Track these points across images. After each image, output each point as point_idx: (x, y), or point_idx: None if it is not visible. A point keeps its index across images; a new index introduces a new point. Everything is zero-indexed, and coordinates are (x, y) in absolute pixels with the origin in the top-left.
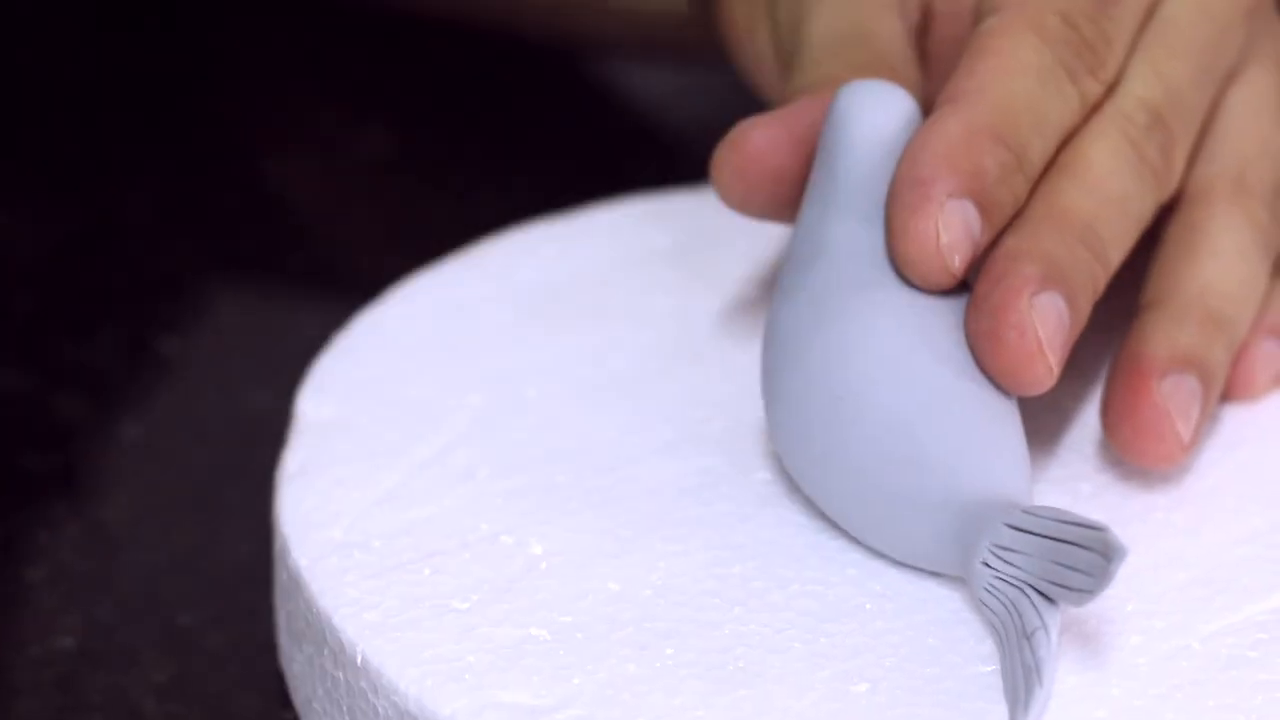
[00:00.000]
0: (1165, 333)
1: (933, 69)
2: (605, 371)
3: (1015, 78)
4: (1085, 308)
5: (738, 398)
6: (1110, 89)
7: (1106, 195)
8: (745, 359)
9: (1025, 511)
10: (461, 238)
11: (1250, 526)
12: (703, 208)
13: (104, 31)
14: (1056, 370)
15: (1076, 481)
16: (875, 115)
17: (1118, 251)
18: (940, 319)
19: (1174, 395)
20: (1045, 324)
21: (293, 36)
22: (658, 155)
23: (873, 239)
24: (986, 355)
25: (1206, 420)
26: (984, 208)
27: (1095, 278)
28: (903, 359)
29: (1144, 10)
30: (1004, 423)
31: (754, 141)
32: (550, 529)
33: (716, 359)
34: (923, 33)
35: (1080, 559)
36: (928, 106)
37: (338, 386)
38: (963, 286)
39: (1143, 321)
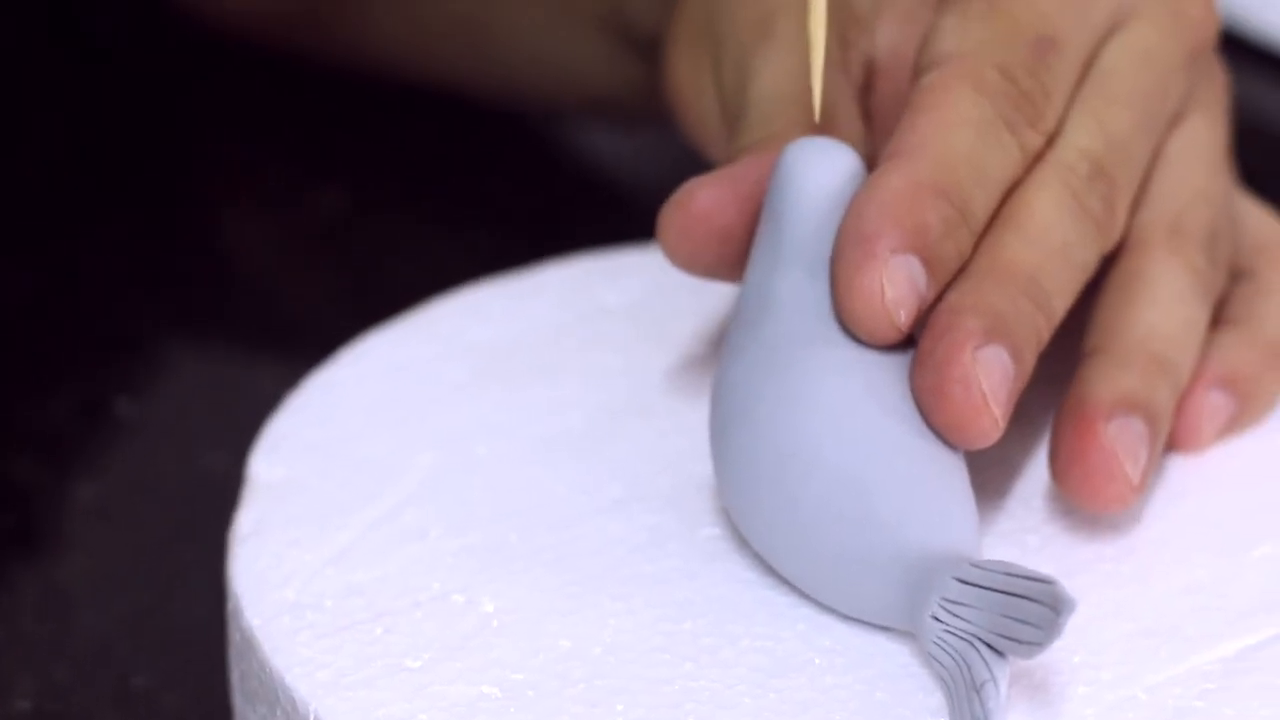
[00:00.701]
0: (1109, 377)
1: (877, 126)
2: (555, 429)
3: (955, 132)
4: (1030, 360)
5: (686, 454)
6: (1051, 140)
7: (1049, 247)
8: (694, 416)
9: (974, 565)
10: (414, 296)
11: (1195, 577)
12: (652, 265)
13: (59, 91)
14: (1002, 423)
15: (1024, 534)
16: (820, 172)
17: (1062, 302)
18: (887, 374)
19: (1121, 437)
20: (989, 377)
21: (247, 96)
22: (609, 214)
23: (819, 295)
24: (932, 410)
25: (1155, 462)
26: (929, 262)
27: (1039, 329)
28: (849, 415)
29: (1083, 61)
30: (951, 477)
31: (699, 201)
32: (501, 587)
33: (665, 416)
34: (866, 90)
35: (1029, 612)
36: (873, 163)
37: (290, 447)
38: (910, 341)
39: (1086, 367)
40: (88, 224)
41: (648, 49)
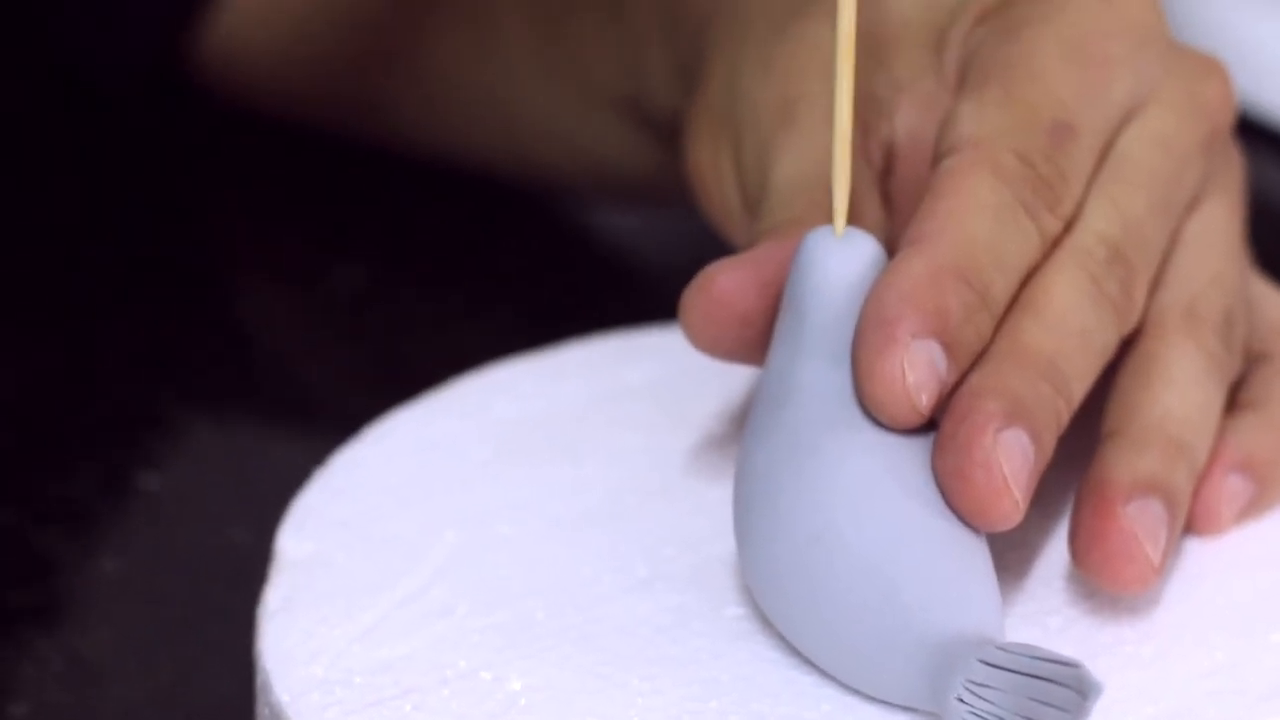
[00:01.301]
0: (1127, 460)
1: (896, 209)
2: (580, 507)
3: (975, 217)
4: (1049, 443)
5: (709, 534)
6: (1069, 225)
7: (1068, 330)
8: (716, 495)
9: (999, 648)
10: (433, 373)
11: (1215, 660)
12: (674, 346)
13: (80, 168)
14: (1023, 506)
15: (1045, 616)
16: (840, 261)
17: (1080, 386)
18: (909, 457)
19: (1140, 519)
20: (1010, 460)
21: (269, 170)
22: (629, 292)
23: (841, 380)
24: (954, 493)
25: (1174, 544)
26: (949, 346)
27: (1058, 413)
28: (871, 498)
29: (1101, 146)
30: (974, 559)
31: (721, 285)
32: (529, 665)
33: (688, 495)
34: (886, 174)
35: (1055, 695)
36: (892, 247)
37: (318, 523)
38: (931, 425)
39: (1104, 450)
40: (110, 299)
41: (666, 133)
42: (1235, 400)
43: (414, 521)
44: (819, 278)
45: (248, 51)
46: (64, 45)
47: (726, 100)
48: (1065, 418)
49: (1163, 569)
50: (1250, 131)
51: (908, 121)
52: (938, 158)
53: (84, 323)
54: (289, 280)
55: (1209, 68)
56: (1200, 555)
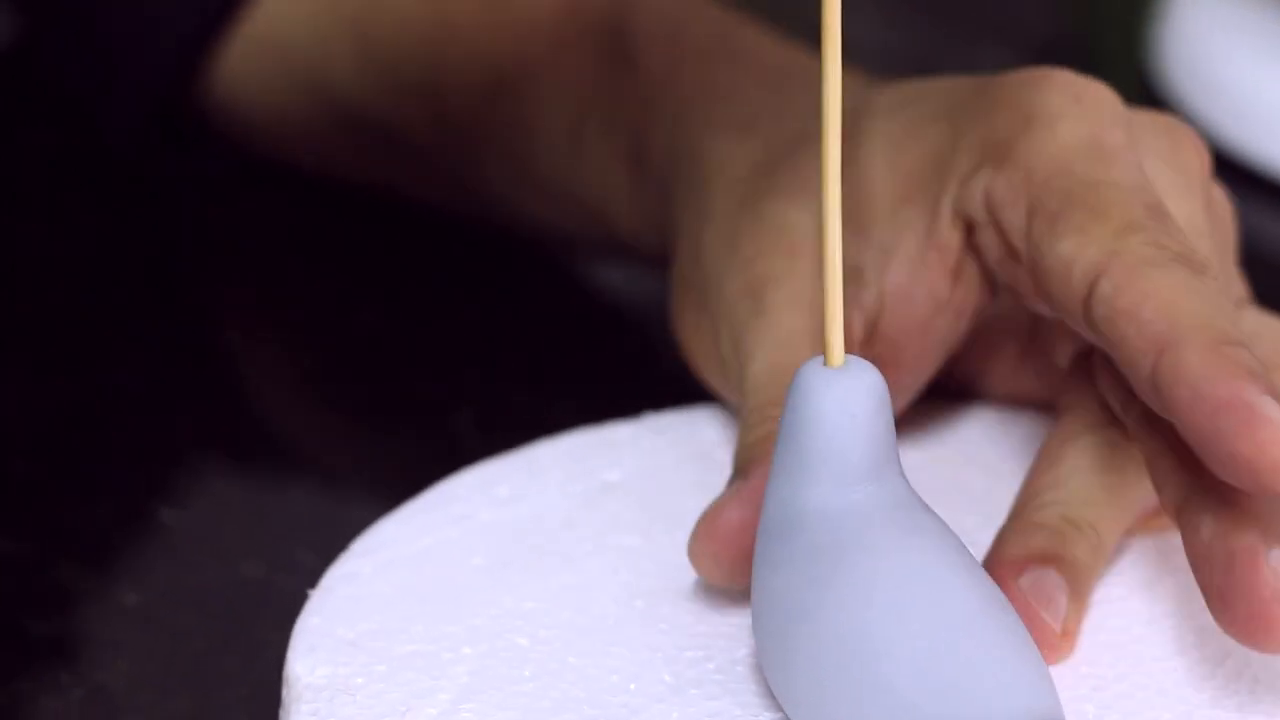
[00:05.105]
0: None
1: (882, 353)
2: (592, 614)
3: (1179, 299)
4: None
5: (726, 636)
6: None
7: None
8: (723, 596)
9: None
10: (440, 412)
11: None
12: (645, 439)
13: (98, 211)
14: None
15: (1081, 703)
16: (838, 391)
17: None
18: (938, 558)
19: (1034, 590)
20: None
21: (285, 213)
22: (626, 337)
23: (849, 502)
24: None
25: (1081, 610)
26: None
27: None
28: (919, 592)
29: None
30: (1027, 644)
31: (726, 524)
32: None
33: (696, 597)
34: (868, 342)
35: None
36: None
37: (327, 646)
38: (946, 528)
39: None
40: (129, 338)
41: (632, 250)
42: None
43: (426, 639)
44: (816, 410)
45: (245, 95)
46: (73, 89)
47: (696, 278)
48: None
49: (1072, 634)
50: (1240, 176)
51: (897, 280)
52: (1070, 302)
53: (105, 361)
54: (302, 321)
55: (1179, 133)
56: (1224, 635)
